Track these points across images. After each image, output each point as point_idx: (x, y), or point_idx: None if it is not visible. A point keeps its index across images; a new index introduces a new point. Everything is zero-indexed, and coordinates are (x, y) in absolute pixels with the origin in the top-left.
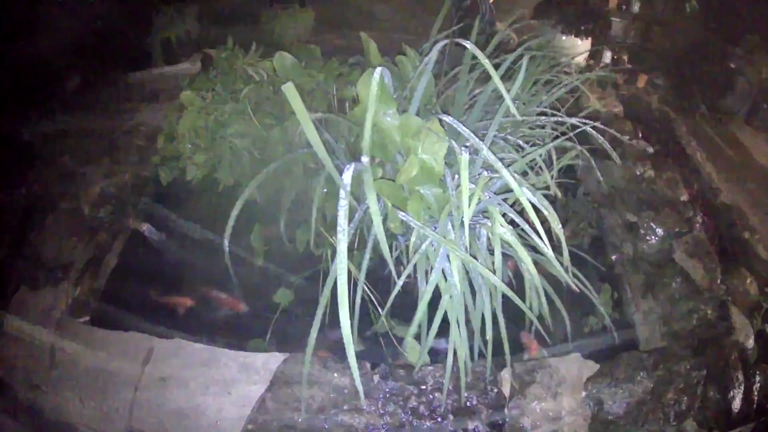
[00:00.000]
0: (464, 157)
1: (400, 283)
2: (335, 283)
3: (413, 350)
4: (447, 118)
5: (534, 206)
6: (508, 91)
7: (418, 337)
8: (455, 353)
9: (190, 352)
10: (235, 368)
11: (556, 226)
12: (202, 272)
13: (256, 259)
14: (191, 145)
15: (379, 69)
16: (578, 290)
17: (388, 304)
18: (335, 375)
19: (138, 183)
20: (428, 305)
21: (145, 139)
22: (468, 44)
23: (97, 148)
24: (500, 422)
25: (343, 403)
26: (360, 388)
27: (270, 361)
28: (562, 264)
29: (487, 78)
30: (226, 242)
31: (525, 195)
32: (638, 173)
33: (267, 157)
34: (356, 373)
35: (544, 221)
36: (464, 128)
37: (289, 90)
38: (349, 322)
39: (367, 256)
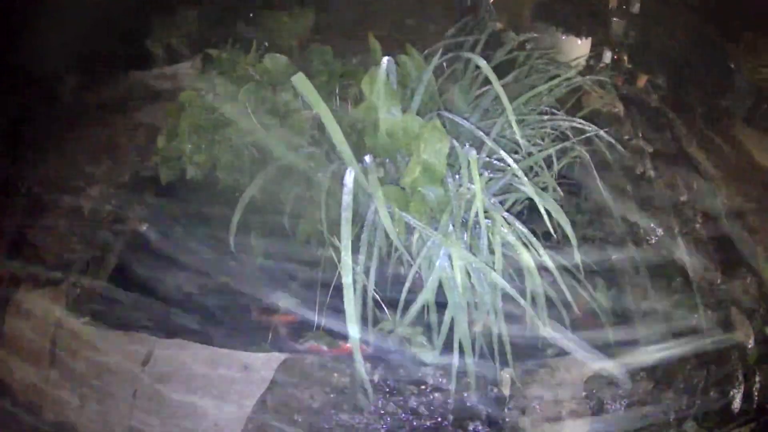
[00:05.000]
0: (473, 156)
1: (407, 283)
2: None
3: (422, 349)
4: (449, 115)
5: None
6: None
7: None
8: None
9: (190, 352)
10: (235, 368)
11: (567, 227)
12: (203, 272)
13: (256, 258)
14: (191, 145)
15: (384, 64)
16: (583, 293)
17: (399, 307)
18: (335, 375)
19: (138, 183)
20: (434, 304)
21: (145, 139)
22: (481, 62)
23: (97, 148)
24: (500, 422)
25: (343, 403)
26: (368, 385)
27: (270, 361)
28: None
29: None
30: (231, 241)
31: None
32: (638, 173)
33: (267, 156)
34: (362, 370)
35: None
36: (469, 124)
37: (301, 80)
38: (356, 325)
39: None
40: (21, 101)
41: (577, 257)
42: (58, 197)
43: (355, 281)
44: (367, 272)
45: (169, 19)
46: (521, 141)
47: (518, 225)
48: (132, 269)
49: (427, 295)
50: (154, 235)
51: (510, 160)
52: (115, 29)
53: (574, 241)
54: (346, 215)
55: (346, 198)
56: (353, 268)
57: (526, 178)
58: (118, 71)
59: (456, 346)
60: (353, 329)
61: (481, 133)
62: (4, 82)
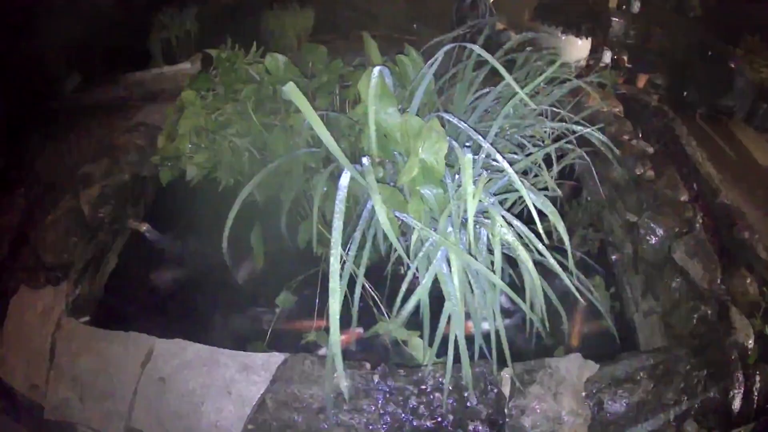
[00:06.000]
0: (468, 157)
1: (405, 284)
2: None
3: (419, 350)
4: (448, 116)
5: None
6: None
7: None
8: (455, 353)
9: (190, 352)
10: (235, 368)
11: (560, 227)
12: (202, 272)
13: (255, 258)
14: (191, 145)
15: (378, 68)
16: (581, 293)
17: (396, 306)
18: (335, 375)
19: (138, 183)
20: (432, 304)
21: (145, 139)
22: (475, 47)
23: (97, 148)
24: (500, 422)
25: (343, 403)
26: (345, 387)
27: (270, 361)
28: (564, 264)
29: (488, 79)
30: (225, 242)
31: (530, 196)
32: (638, 173)
33: (267, 156)
34: (341, 369)
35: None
36: (466, 125)
37: (292, 90)
38: (338, 318)
39: (366, 256)
40: (21, 101)
41: (572, 257)
42: (58, 197)
43: (360, 284)
44: (364, 273)
45: (169, 19)
46: (523, 140)
47: (517, 224)
48: (132, 269)
49: (420, 295)
50: (154, 235)
51: (506, 165)
52: (115, 30)
53: (566, 240)
54: (338, 224)
55: (339, 206)
56: (353, 270)
57: (520, 182)
58: (118, 71)
59: (455, 346)
60: (335, 338)
61: (479, 136)
62: (5, 82)
